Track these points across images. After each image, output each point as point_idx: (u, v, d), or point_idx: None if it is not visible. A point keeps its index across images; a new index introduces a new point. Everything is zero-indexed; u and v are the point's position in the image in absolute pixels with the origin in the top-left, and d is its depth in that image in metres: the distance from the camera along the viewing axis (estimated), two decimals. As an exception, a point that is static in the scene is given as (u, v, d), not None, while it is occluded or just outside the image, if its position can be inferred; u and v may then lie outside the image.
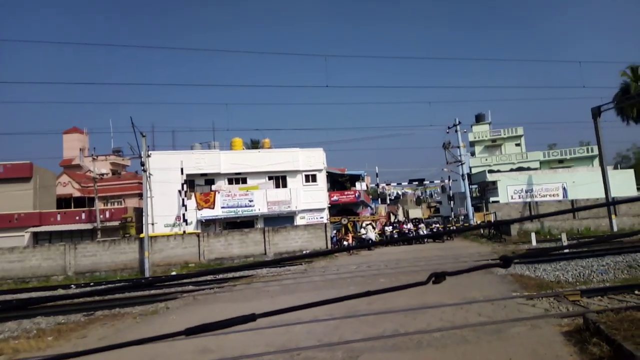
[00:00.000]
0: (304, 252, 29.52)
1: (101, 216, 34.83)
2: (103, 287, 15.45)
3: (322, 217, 35.09)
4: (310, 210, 35.34)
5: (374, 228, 33.19)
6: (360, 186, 44.81)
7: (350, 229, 35.36)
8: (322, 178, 36.70)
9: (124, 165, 52.96)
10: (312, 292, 12.03)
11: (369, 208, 46.73)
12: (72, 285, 21.41)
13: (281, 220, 34.06)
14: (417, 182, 57.14)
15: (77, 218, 35.21)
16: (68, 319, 10.95)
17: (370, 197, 51.83)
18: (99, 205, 35.50)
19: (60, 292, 19.78)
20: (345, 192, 41.37)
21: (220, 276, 19.27)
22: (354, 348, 6.08)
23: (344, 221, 35.65)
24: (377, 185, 57.15)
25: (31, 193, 34.08)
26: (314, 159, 36.62)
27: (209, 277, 19.16)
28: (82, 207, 38.10)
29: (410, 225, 36.19)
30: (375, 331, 6.94)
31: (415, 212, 61.74)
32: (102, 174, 40.17)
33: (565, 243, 19.95)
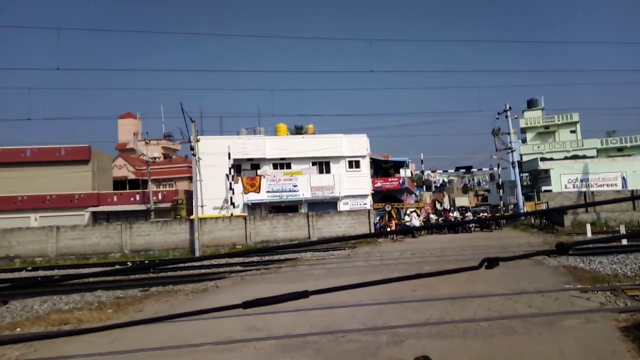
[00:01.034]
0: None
1: (154, 198, 36.47)
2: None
3: (366, 204, 35.05)
4: (354, 197, 35.36)
5: (418, 215, 32.76)
6: (404, 173, 44.26)
7: (394, 215, 35.10)
8: (365, 164, 36.53)
9: (175, 150, 54.97)
10: (356, 276, 12.13)
11: (413, 195, 46.15)
12: (128, 263, 22.69)
13: (324, 206, 34.32)
14: (464, 170, 55.66)
15: (132, 199, 37.07)
16: (126, 293, 11.66)
17: (415, 184, 51.05)
18: (152, 187, 37.17)
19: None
20: (389, 179, 41.01)
21: (266, 258, 19.78)
22: (398, 333, 6.12)
23: (388, 208, 35.43)
24: (422, 172, 56.18)
25: (90, 175, 36.15)
26: (358, 145, 36.47)
27: (255, 259, 19.74)
28: (136, 189, 40.05)
29: (456, 214, 35.45)
30: (420, 317, 6.94)
31: (462, 201, 60.40)
32: (155, 158, 41.93)
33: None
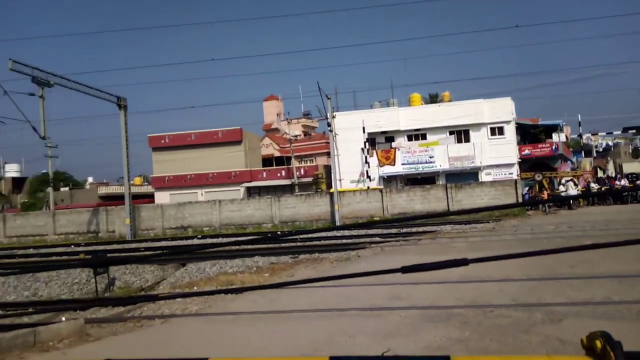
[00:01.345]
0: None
1: (297, 173, 39.01)
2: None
3: (512, 173, 32.42)
4: (497, 166, 32.97)
5: (575, 185, 29.22)
6: (557, 138, 39.61)
7: (546, 185, 31.84)
8: (510, 130, 33.61)
9: (313, 127, 57.63)
10: (504, 251, 11.46)
11: (568, 162, 41.17)
12: (278, 232, 24.84)
13: (464, 177, 32.72)
14: (633, 131, 47.52)
15: (278, 175, 40.23)
16: (279, 259, 12.88)
17: (571, 149, 45.37)
18: (294, 163, 39.76)
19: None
20: (539, 145, 37.14)
21: (405, 230, 19.81)
22: (554, 311, 5.67)
23: (538, 177, 32.24)
24: (580, 135, 49.66)
25: (242, 154, 40.15)
26: (501, 109, 33.65)
27: (393, 230, 19.92)
28: (281, 165, 43.30)
29: (624, 182, 30.71)
30: (581, 296, 6.31)
31: (631, 167, 51.70)
32: (296, 136, 44.64)
33: None
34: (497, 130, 33.67)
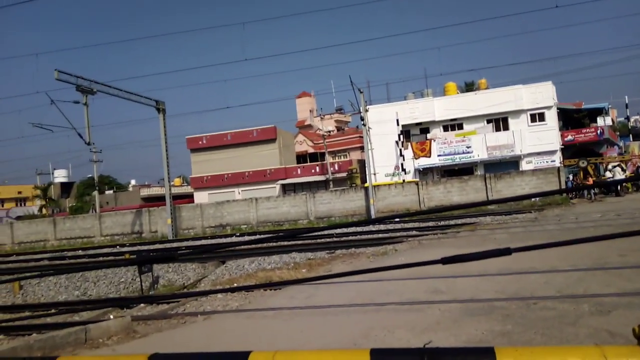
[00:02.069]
0: (532, 199, 27.03)
1: (331, 169, 39.03)
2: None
3: (554, 161, 31.19)
4: (538, 154, 31.80)
5: (623, 170, 27.80)
6: (602, 121, 37.75)
7: (591, 172, 30.46)
8: (551, 116, 32.32)
9: (346, 122, 57.42)
10: (547, 241, 11.04)
11: (615, 147, 39.18)
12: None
13: (503, 166, 31.77)
14: (688, 110, 44.56)
15: (313, 171, 40.38)
16: (315, 255, 12.94)
17: (618, 133, 43.11)
18: (328, 159, 39.81)
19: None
20: (583, 130, 35.52)
21: (443, 223, 19.46)
22: (603, 302, 5.43)
23: (583, 164, 30.88)
24: (628, 118, 47.09)
25: (277, 152, 40.54)
26: (541, 95, 32.38)
27: (430, 224, 19.60)
28: (315, 161, 43.43)
29: (678, 165, 28.93)
30: (632, 287, 6.01)
31: (687, 149, 48.66)
32: (329, 131, 44.61)
33: None
34: (537, 117, 32.46)
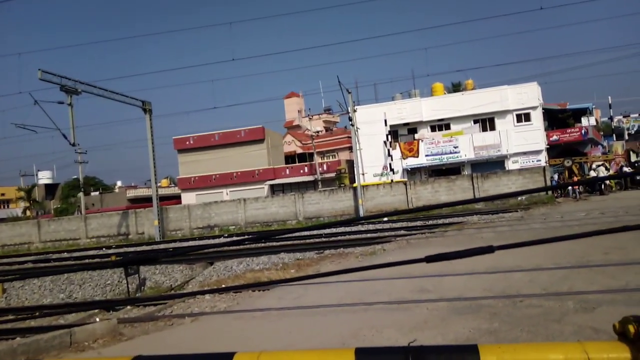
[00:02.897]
0: (519, 198, 27.35)
1: (320, 169, 39.03)
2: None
3: (539, 160, 31.61)
4: (525, 153, 32.20)
5: (607, 169, 28.31)
6: (587, 122, 38.38)
7: (576, 171, 30.94)
8: (537, 116, 32.76)
9: (335, 122, 57.51)
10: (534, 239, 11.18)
11: (599, 147, 39.86)
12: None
13: (490, 166, 32.10)
14: (669, 111, 45.54)
15: (301, 171, 40.34)
16: (304, 255, 12.92)
17: (602, 133, 43.89)
18: (317, 159, 39.80)
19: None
20: (568, 130, 36.06)
21: (430, 222, 19.58)
22: (587, 300, 5.51)
23: (568, 163, 31.36)
24: (611, 118, 48.04)
25: (265, 152, 40.41)
26: (527, 95, 32.81)
27: (418, 223, 19.71)
28: (304, 162, 43.40)
29: (660, 164, 29.51)
30: (615, 283, 6.11)
31: (668, 148, 49.63)
32: (317, 132, 44.60)
33: None
34: (523, 117, 32.87)
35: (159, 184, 33.71)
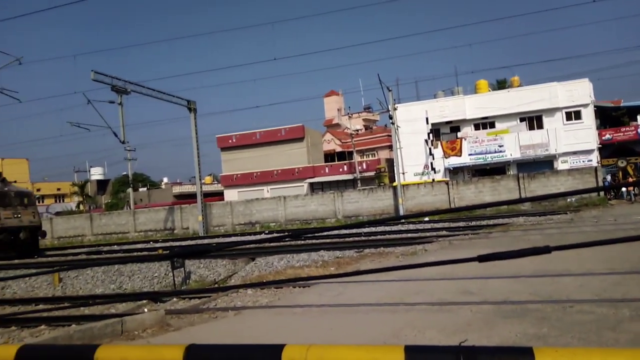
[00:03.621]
0: (568, 199, 26.19)
1: (359, 167, 38.91)
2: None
3: (591, 160, 30.14)
4: (574, 153, 30.79)
5: (666, 170, 26.56)
6: (644, 119, 36.17)
7: (631, 172, 29.26)
8: (588, 114, 31.23)
9: (374, 120, 57.12)
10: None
11: (658, 146, 37.47)
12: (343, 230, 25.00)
13: (537, 166, 30.92)
14: None
15: (341, 170, 40.37)
16: (344, 254, 12.94)
17: (661, 132, 41.19)
18: (356, 158, 39.68)
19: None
20: (622, 129, 34.16)
21: (474, 223, 19.11)
22: (645, 308, 5.22)
23: (622, 163, 29.69)
24: (672, 116, 44.81)
25: (305, 150, 40.75)
26: (577, 92, 31.34)
27: (461, 224, 19.27)
28: (343, 160, 43.41)
29: None
30: (676, 292, 5.75)
31: None
32: (357, 130, 44.48)
33: None
34: (573, 115, 31.42)
35: (203, 181, 34.68)
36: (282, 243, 15.33)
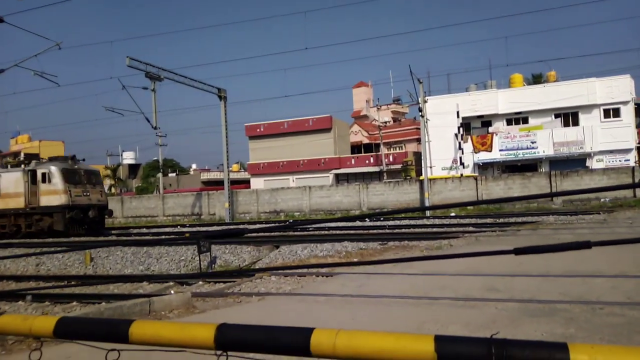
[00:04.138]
0: (602, 199, 25.34)
1: (386, 160, 38.64)
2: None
3: (628, 160, 29.04)
4: (611, 152, 29.70)
5: None
6: (688, 119, 34.50)
7: (671, 173, 27.98)
8: (628, 112, 30.01)
9: (403, 113, 56.44)
10: (619, 246, 10.34)
11: (703, 147, 35.72)
12: (367, 219, 24.94)
13: (571, 164, 29.98)
14: None
15: (367, 162, 40.18)
16: (367, 246, 12.93)
17: None
18: (383, 150, 39.39)
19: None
20: (664, 128, 32.68)
21: (501, 220, 18.74)
22: (681, 313, 5.03)
23: (661, 164, 28.48)
24: None
25: (331, 141, 40.71)
26: (617, 88, 30.12)
27: (488, 220, 18.92)
28: (370, 152, 43.17)
29: None
30: None
31: None
32: (385, 122, 44.05)
33: None
34: (611, 112, 30.26)
35: (230, 169, 35.15)
36: (306, 233, 15.43)
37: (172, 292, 8.72)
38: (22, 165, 22.58)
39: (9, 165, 23.34)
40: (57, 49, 21.55)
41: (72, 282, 11.14)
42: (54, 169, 21.59)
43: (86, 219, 21.92)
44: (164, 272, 12.97)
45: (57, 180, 21.31)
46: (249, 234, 14.13)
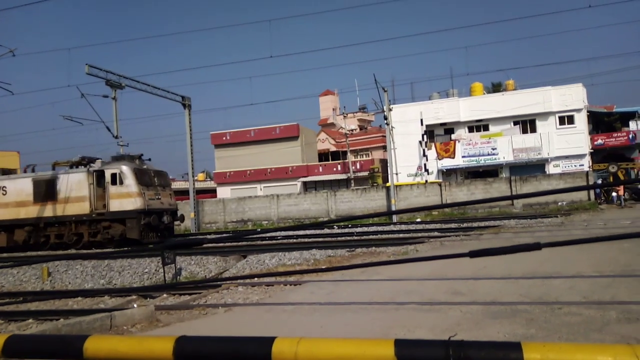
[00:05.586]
0: (559, 203, 26.42)
1: (353, 167, 38.95)
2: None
3: (582, 165, 30.42)
4: (566, 157, 31.06)
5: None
6: (635, 125, 36.53)
7: (622, 177, 29.57)
8: (581, 119, 31.51)
9: (369, 121, 57.18)
10: (576, 248, 10.79)
11: (648, 152, 37.88)
12: (334, 226, 25.02)
13: (529, 169, 31.15)
14: None
15: (334, 169, 40.39)
16: (335, 252, 12.96)
17: (651, 138, 41.64)
18: (350, 158, 39.72)
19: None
20: (614, 134, 34.49)
21: (465, 225, 19.21)
22: (631, 310, 5.28)
23: (613, 169, 30.02)
24: (663, 123, 45.26)
25: (299, 149, 40.71)
26: (571, 97, 31.60)
27: (452, 225, 19.36)
28: (337, 160, 43.43)
29: None
30: (662, 295, 5.82)
31: None
32: (351, 130, 44.50)
33: None
34: (566, 119, 31.69)
35: (195, 178, 34.52)
36: (274, 241, 15.32)
37: (135, 305, 8.45)
38: (85, 166, 20.06)
39: (72, 166, 20.64)
40: (10, 56, 20.61)
41: (28, 298, 10.60)
42: (125, 169, 18.99)
43: (160, 225, 19.51)
44: (126, 286, 12.55)
45: (130, 182, 18.75)
46: (208, 244, 13.94)
